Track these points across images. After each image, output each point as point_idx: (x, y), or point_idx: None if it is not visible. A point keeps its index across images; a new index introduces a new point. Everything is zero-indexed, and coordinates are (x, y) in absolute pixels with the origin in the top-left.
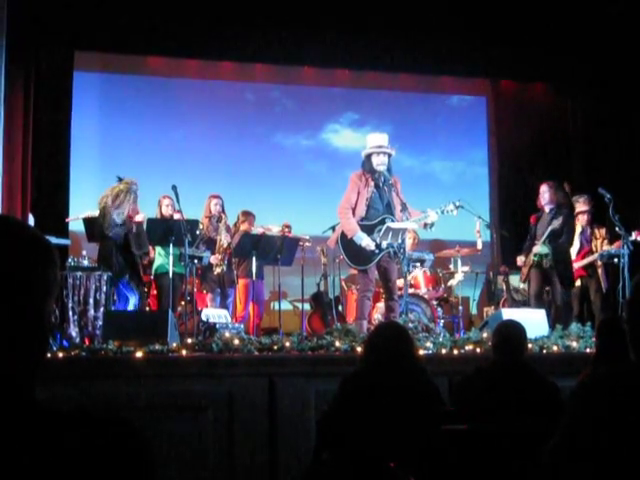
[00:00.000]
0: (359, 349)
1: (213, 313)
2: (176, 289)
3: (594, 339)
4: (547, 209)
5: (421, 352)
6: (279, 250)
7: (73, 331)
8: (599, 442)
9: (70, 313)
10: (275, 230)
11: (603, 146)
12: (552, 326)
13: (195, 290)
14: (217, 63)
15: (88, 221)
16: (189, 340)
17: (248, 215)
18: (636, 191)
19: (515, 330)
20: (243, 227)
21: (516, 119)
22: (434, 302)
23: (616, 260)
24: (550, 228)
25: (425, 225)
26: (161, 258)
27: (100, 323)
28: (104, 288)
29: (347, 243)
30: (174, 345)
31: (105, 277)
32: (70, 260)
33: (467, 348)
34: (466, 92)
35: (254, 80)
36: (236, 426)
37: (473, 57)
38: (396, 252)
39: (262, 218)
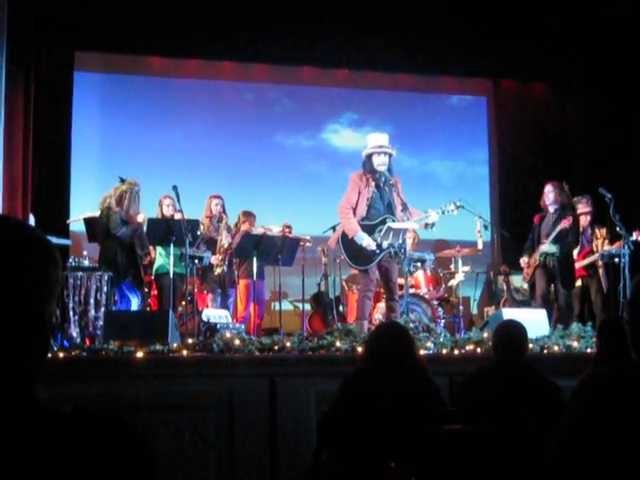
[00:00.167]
0: (360, 349)
1: (214, 313)
2: (177, 289)
3: (595, 339)
4: (551, 209)
5: (422, 352)
6: (280, 250)
7: (74, 331)
8: (600, 442)
9: (71, 313)
10: (276, 230)
11: (603, 146)
12: (555, 326)
13: (196, 290)
14: (217, 63)
15: (89, 221)
16: (190, 340)
17: (249, 215)
18: (636, 191)
19: (516, 330)
20: (244, 227)
21: (516, 119)
22: (435, 302)
23: (617, 260)
24: (559, 227)
25: (426, 225)
26: (162, 258)
27: (101, 323)
28: (105, 288)
29: (348, 243)
30: (175, 345)
31: (106, 277)
32: (71, 260)
33: (468, 348)
34: (466, 92)
35: (254, 80)
36: (237, 426)
37: (473, 57)
38: (397, 252)
39: (263, 218)
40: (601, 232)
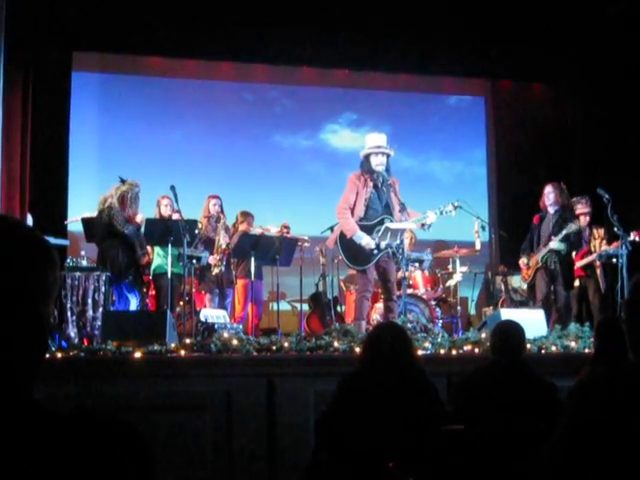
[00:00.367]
0: (358, 349)
1: (212, 313)
2: (175, 289)
3: (593, 339)
4: (552, 210)
5: (420, 352)
6: (277, 250)
7: (72, 331)
8: (598, 442)
9: (69, 313)
10: (274, 230)
11: (601, 146)
12: (553, 327)
13: (194, 290)
14: (216, 63)
15: (87, 222)
16: (188, 340)
17: (247, 215)
18: (634, 191)
19: (514, 330)
20: (242, 227)
21: (515, 119)
22: (433, 302)
23: (615, 260)
24: (568, 227)
25: (422, 225)
26: (160, 258)
27: (99, 323)
28: (103, 288)
29: (346, 243)
30: (173, 345)
31: (104, 277)
32: (69, 260)
33: (466, 348)
34: (465, 92)
35: (253, 80)
36: (235, 426)
37: (472, 57)
38: (395, 253)
39: (261, 218)
40: (599, 232)
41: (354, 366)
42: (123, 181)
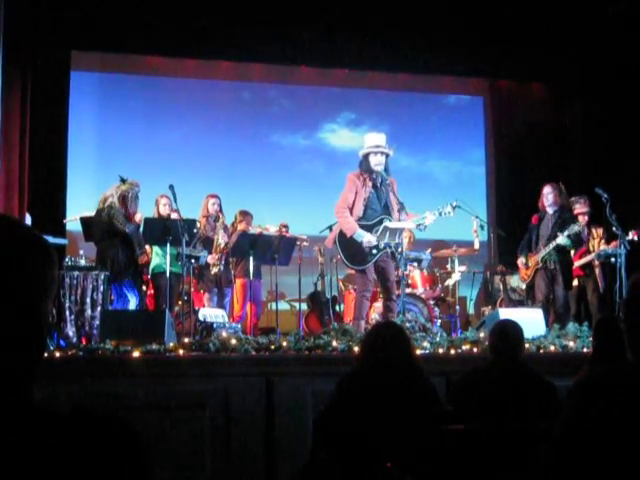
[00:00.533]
0: (356, 349)
1: (210, 313)
2: (173, 289)
3: (591, 339)
4: (550, 211)
5: (418, 352)
6: (276, 250)
7: (70, 331)
8: (596, 441)
9: (67, 313)
10: (272, 230)
11: (600, 146)
12: (551, 326)
13: (192, 290)
14: (214, 62)
15: (86, 221)
16: (186, 340)
17: (245, 215)
18: (633, 191)
19: (512, 330)
20: (240, 227)
21: (514, 119)
22: (431, 302)
23: (613, 260)
24: (570, 228)
25: (418, 225)
26: (158, 258)
27: (97, 323)
28: (101, 288)
29: (345, 243)
30: (171, 345)
31: (102, 276)
32: (67, 260)
33: (464, 348)
34: (464, 92)
35: (251, 79)
36: (233, 426)
37: (471, 57)
38: (393, 252)
39: (259, 218)
40: (597, 232)
41: (352, 366)
42: (123, 180)
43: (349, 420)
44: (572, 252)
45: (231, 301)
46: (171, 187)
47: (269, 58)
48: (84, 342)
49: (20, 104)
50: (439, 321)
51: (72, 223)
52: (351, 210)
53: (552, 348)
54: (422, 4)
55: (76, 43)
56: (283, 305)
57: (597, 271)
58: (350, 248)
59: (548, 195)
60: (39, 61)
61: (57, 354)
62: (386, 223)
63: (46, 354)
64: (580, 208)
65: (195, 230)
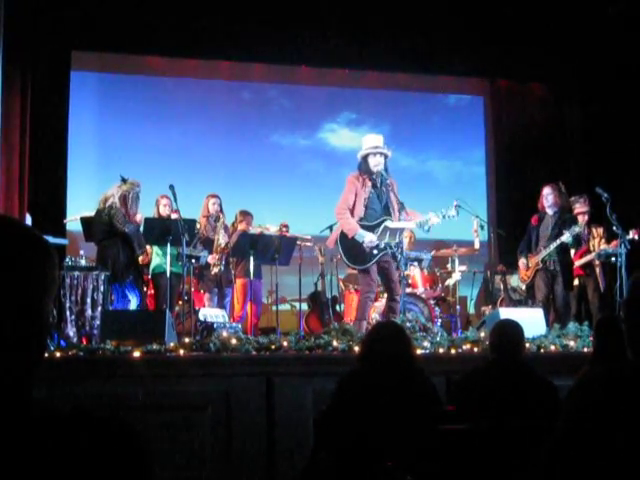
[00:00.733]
0: (357, 348)
1: (210, 313)
2: (173, 289)
3: (592, 338)
4: (550, 211)
5: (419, 351)
6: (277, 250)
7: (70, 331)
8: (597, 441)
9: (67, 313)
10: (273, 230)
11: (600, 145)
12: (552, 326)
13: (193, 290)
14: (214, 62)
15: (86, 221)
16: (186, 340)
17: (246, 215)
18: (633, 190)
19: (513, 329)
20: (241, 227)
21: (514, 119)
22: (432, 301)
23: (613, 259)
24: (571, 230)
25: (422, 226)
26: (158, 258)
27: (97, 323)
28: (101, 288)
29: (347, 244)
30: (171, 345)
31: (102, 276)
32: (68, 260)
33: (465, 347)
34: (464, 91)
35: (251, 79)
36: (234, 426)
37: (471, 56)
38: (394, 252)
39: (260, 218)
40: (598, 231)
41: (353, 365)
42: (124, 180)
43: (349, 420)
44: (572, 252)
45: (231, 301)
46: (171, 187)
47: (269, 58)
48: (84, 342)
49: (20, 104)
50: (439, 321)
51: (72, 223)
52: (352, 211)
53: (552, 348)
54: (422, 4)
55: (76, 43)
56: (283, 305)
57: (597, 271)
58: (352, 249)
59: (548, 196)
60: (39, 61)
61: (57, 354)
62: (386, 223)
63: (46, 354)
64: (580, 207)
65: (195, 230)
